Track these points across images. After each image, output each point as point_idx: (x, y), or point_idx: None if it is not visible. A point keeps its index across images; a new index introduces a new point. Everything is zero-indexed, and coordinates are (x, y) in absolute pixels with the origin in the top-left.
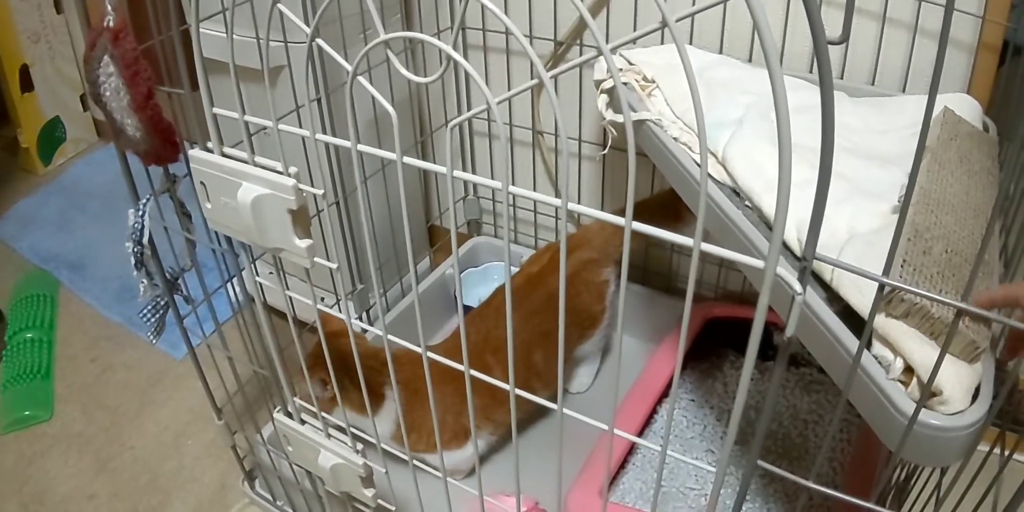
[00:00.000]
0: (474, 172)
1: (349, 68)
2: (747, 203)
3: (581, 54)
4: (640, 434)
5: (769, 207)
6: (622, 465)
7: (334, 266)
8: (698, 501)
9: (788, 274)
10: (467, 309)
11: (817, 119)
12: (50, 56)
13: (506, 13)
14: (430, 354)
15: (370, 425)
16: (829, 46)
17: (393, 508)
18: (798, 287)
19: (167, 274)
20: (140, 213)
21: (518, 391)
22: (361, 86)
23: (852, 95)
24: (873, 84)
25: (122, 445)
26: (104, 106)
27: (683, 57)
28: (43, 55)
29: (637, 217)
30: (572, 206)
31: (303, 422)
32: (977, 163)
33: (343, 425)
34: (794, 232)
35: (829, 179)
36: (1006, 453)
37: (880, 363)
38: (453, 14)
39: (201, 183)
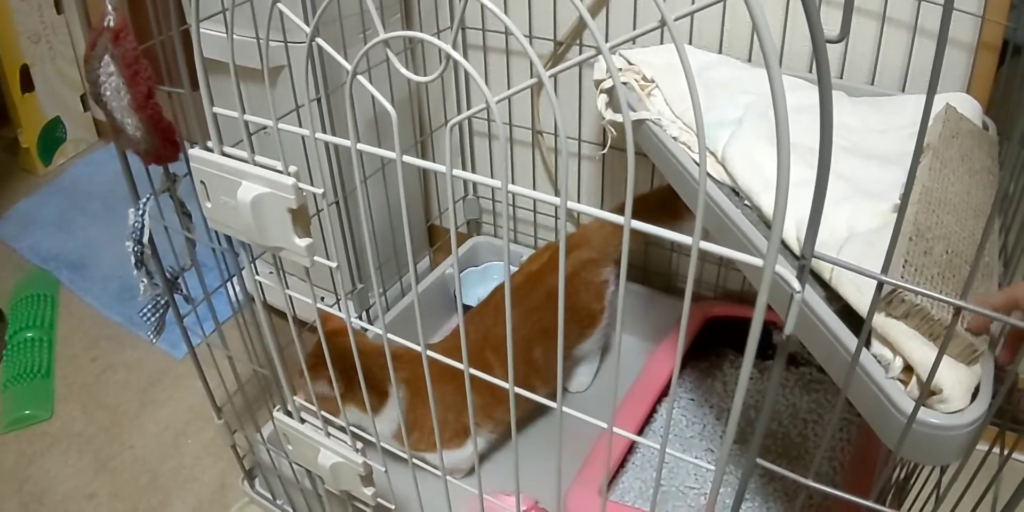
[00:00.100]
0: (474, 172)
1: (349, 67)
2: (746, 202)
3: (581, 54)
4: (639, 433)
5: (768, 206)
6: (622, 464)
7: (334, 265)
8: (697, 500)
9: (787, 272)
10: (467, 308)
11: (816, 119)
12: (50, 56)
13: (506, 13)
14: (430, 353)
15: (375, 423)
16: (828, 45)
17: (393, 507)
18: (797, 285)
19: (167, 273)
20: (140, 212)
21: (517, 390)
22: (361, 85)
23: (851, 95)
24: (873, 84)
25: (122, 444)
26: (105, 106)
27: (682, 57)
28: (43, 55)
29: (636, 214)
30: (571, 205)
31: (303, 421)
32: (978, 162)
33: (343, 424)
34: (793, 231)
35: (827, 177)
36: (1005, 452)
37: (879, 362)
38: (453, 14)
39: (201, 182)
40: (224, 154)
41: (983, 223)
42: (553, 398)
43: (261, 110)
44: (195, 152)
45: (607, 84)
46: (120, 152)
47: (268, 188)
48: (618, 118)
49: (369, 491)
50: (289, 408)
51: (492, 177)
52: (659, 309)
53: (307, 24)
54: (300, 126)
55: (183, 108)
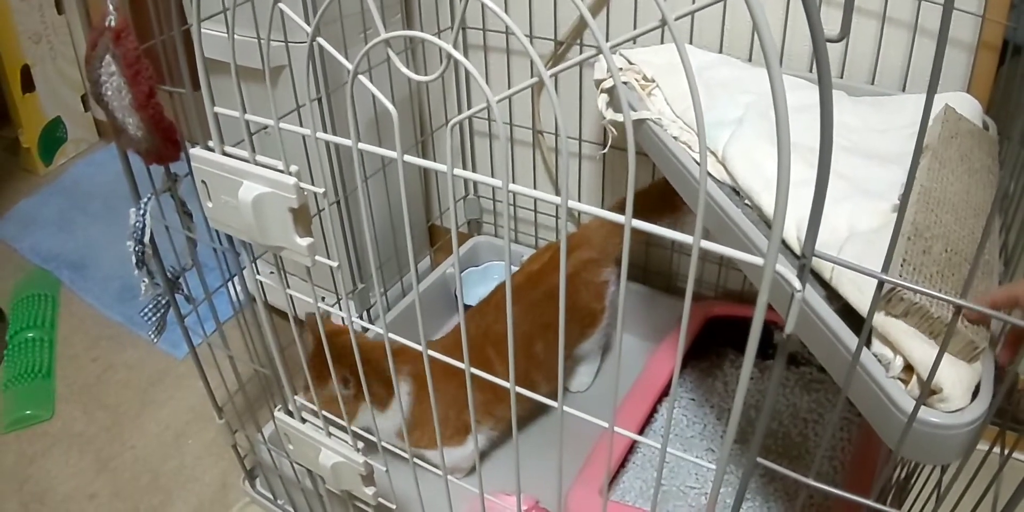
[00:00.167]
0: (474, 172)
1: (350, 67)
2: (747, 202)
3: (581, 53)
4: (640, 433)
5: (768, 206)
6: (622, 464)
7: (335, 265)
8: (698, 499)
9: (787, 272)
10: (467, 308)
11: (816, 118)
12: (51, 56)
13: (506, 12)
14: (431, 352)
15: (382, 420)
16: (828, 44)
17: (394, 506)
18: (797, 284)
19: (168, 273)
20: (141, 212)
21: (518, 389)
22: (362, 85)
23: (852, 94)
24: (873, 83)
25: (123, 444)
26: (106, 105)
27: (683, 56)
28: (44, 55)
29: (636, 208)
30: (572, 204)
31: (304, 421)
32: (978, 161)
33: (343, 423)
34: (793, 230)
35: (828, 176)
36: (1006, 451)
37: (880, 361)
38: (453, 13)
39: (202, 182)
40: (225, 154)
41: (983, 222)
42: (554, 398)
43: (262, 110)
44: (196, 152)
45: (608, 84)
46: (121, 152)
47: (269, 188)
48: (619, 118)
49: (370, 491)
50: (290, 408)
51: (493, 177)
52: (660, 309)
53: (308, 24)
54: (301, 126)
55: (184, 108)
